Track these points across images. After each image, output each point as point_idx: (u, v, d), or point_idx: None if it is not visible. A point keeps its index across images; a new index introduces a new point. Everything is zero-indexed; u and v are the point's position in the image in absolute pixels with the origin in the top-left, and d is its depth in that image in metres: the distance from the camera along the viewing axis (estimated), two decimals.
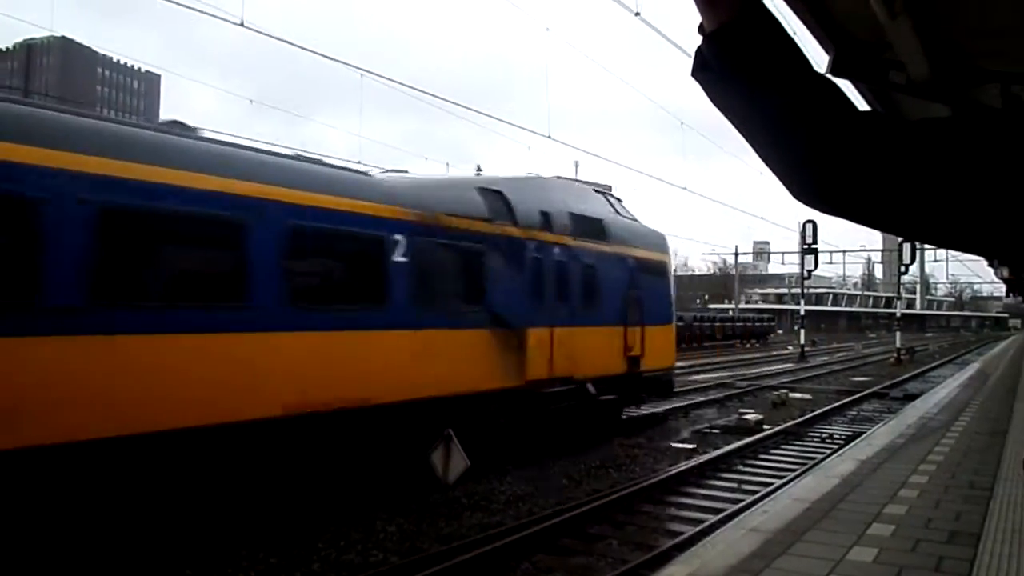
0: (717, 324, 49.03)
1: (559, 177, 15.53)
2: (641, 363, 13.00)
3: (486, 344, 9.77)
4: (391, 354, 8.39)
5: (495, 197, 10.38)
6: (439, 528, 7.49)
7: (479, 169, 26.81)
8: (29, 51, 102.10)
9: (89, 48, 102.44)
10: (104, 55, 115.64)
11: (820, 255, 34.79)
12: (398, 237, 8.52)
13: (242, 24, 11.26)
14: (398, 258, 8.50)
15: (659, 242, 14.32)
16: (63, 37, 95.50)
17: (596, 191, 13.74)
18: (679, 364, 16.94)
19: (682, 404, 16.90)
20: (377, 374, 8.21)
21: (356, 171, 9.69)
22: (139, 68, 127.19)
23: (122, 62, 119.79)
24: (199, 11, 11.27)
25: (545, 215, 11.11)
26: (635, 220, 13.98)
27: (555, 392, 10.83)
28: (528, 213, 10.75)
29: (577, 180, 17.55)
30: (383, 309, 8.39)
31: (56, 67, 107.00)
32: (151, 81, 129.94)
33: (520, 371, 10.28)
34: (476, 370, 9.57)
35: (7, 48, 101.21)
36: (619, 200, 14.02)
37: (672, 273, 14.77)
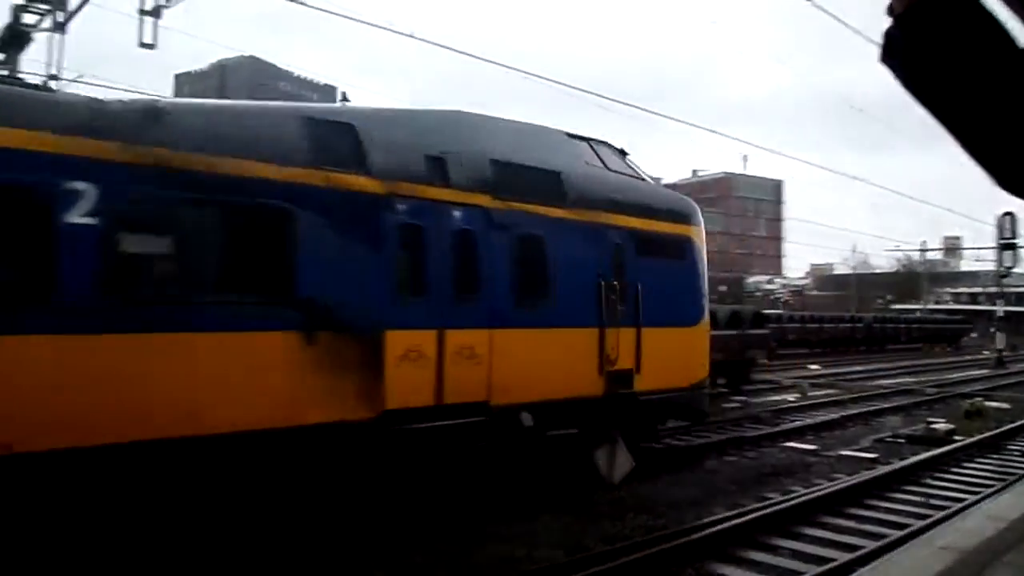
0: (902, 326, 45.86)
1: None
2: (636, 381, 9.26)
3: (280, 355, 6.41)
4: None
5: (335, 133, 7.20)
6: (603, 528, 7.47)
7: (345, 97, 21.78)
8: (223, 71, 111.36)
9: (273, 65, 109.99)
10: (286, 70, 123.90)
11: (1021, 251, 31.70)
12: (77, 186, 5.48)
13: (412, 36, 11.70)
14: (75, 219, 5.46)
15: (679, 210, 10.47)
16: (252, 56, 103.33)
17: (573, 137, 9.91)
18: (857, 369, 15.60)
19: (861, 411, 15.94)
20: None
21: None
22: (318, 82, 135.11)
23: (302, 76, 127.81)
24: (377, 26, 11.56)
25: (436, 163, 7.75)
26: (642, 179, 10.43)
27: (439, 428, 7.32)
28: (398, 159, 7.44)
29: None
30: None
31: (245, 85, 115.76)
32: (327, 92, 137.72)
33: (370, 396, 6.89)
34: (255, 397, 6.26)
35: (204, 69, 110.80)
36: (620, 152, 10.46)
37: (702, 255, 10.61)
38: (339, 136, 7.14)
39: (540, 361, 8.25)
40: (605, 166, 9.82)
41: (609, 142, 10.37)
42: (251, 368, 6.21)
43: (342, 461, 6.65)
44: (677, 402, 10.09)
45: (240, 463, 6.03)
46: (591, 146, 9.96)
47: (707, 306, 10.88)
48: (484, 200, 7.95)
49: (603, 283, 8.96)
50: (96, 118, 5.76)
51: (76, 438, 5.24)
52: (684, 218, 10.46)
